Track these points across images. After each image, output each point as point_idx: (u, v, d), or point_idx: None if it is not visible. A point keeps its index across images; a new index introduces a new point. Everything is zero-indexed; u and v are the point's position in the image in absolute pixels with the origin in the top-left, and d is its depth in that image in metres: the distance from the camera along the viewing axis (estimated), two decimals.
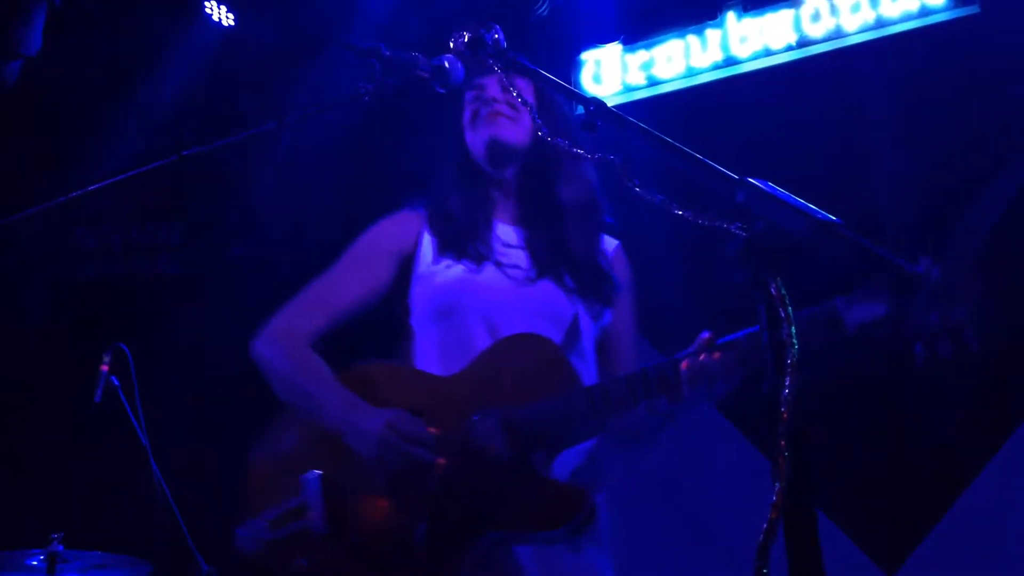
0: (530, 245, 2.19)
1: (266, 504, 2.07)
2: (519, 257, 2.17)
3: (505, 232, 2.22)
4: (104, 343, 3.75)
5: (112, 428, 3.70)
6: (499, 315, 2.09)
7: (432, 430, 1.94)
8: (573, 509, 1.87)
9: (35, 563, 3.53)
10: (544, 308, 2.11)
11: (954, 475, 4.12)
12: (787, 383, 1.08)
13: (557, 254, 2.15)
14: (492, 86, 2.20)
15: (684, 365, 1.85)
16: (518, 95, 1.93)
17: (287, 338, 2.19)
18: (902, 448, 4.16)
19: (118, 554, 3.72)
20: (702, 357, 1.84)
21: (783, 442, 1.08)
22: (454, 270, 2.16)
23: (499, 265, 2.15)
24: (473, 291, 2.12)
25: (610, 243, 2.29)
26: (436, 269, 2.18)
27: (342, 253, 2.29)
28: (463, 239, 2.18)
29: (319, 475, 2.02)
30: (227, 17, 5.21)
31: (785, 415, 1.09)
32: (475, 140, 2.21)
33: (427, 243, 2.23)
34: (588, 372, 2.10)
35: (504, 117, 2.16)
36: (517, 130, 2.17)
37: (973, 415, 4.06)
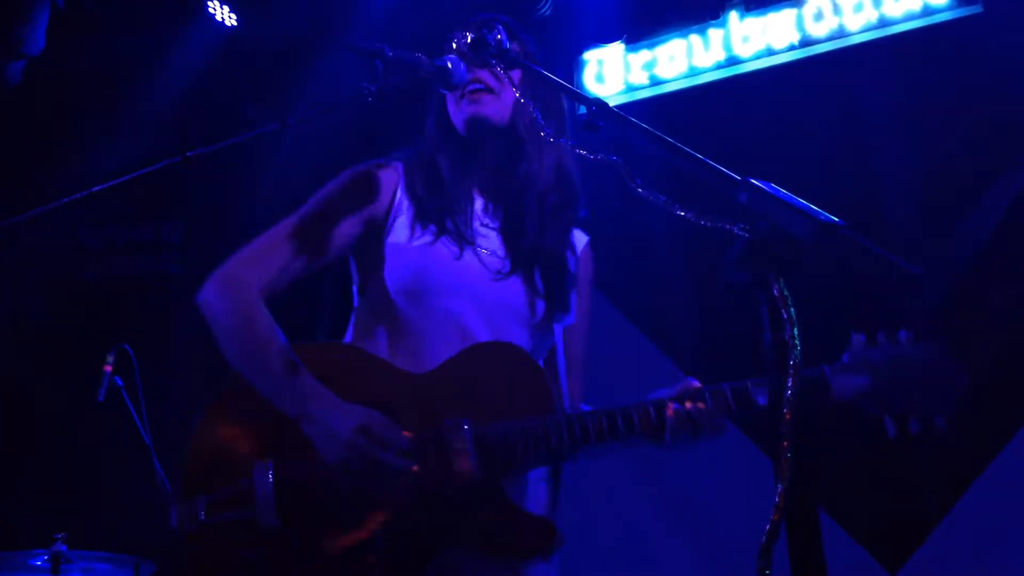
0: (505, 230, 2.12)
1: (209, 481, 1.91)
2: (495, 242, 2.11)
3: (483, 208, 2.15)
4: (108, 343, 3.75)
5: (115, 428, 3.71)
6: (471, 308, 2.03)
7: (406, 433, 1.87)
8: (541, 542, 1.88)
9: (39, 563, 3.54)
10: (514, 307, 2.06)
11: (957, 475, 4.12)
12: (789, 384, 1.08)
13: (531, 249, 2.09)
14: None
15: (671, 411, 1.87)
16: (504, 71, 1.92)
17: (241, 290, 1.98)
18: (905, 447, 4.15)
19: (121, 554, 3.73)
20: (688, 405, 1.86)
21: (785, 443, 1.08)
22: (434, 248, 2.06)
23: (477, 252, 2.08)
24: (450, 277, 2.04)
25: (580, 239, 2.24)
26: (412, 242, 2.06)
27: (308, 200, 2.10)
28: (444, 211, 2.09)
29: (272, 464, 1.88)
30: (230, 17, 5.22)
31: (787, 416, 1.09)
32: (457, 116, 2.13)
33: (404, 208, 2.11)
34: (549, 378, 2.04)
35: (486, 94, 2.09)
36: (498, 105, 2.10)
37: (976, 414, 4.06)
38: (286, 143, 1.93)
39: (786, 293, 1.11)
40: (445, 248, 2.06)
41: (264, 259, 2.03)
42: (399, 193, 2.13)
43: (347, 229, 2.07)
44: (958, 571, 4.04)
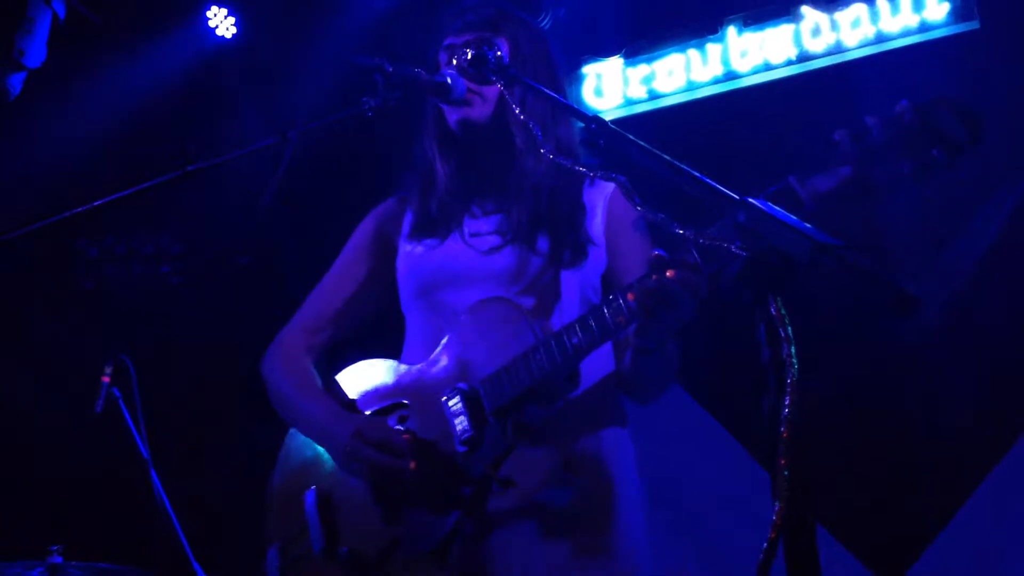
0: (504, 210, 2.12)
1: (279, 528, 2.09)
2: (490, 225, 2.12)
3: (481, 200, 2.17)
4: (106, 354, 3.75)
5: (113, 439, 3.70)
6: (460, 289, 2.05)
7: (405, 435, 1.91)
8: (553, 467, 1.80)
9: (34, 575, 3.52)
10: (508, 274, 2.04)
11: (955, 487, 4.12)
12: (787, 402, 1.09)
13: (529, 219, 2.07)
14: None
15: (631, 296, 1.71)
16: (504, 87, 1.92)
17: (287, 354, 2.22)
18: (903, 459, 4.16)
19: (118, 565, 3.72)
20: (654, 278, 1.69)
21: (783, 460, 1.09)
22: (418, 249, 2.14)
23: (465, 237, 2.11)
24: (436, 267, 2.10)
25: (603, 190, 2.16)
26: (408, 250, 2.17)
27: (339, 254, 2.32)
28: (436, 214, 2.14)
29: (314, 491, 2.03)
30: (229, 30, 5.24)
31: (785, 433, 1.09)
32: (450, 119, 2.15)
33: (407, 224, 2.22)
34: (528, 313, 1.97)
35: (473, 95, 2.10)
36: (484, 106, 2.11)
37: (975, 424, 4.07)
38: (287, 156, 1.95)
39: (783, 311, 1.11)
40: (431, 243, 2.13)
41: (305, 324, 2.26)
42: (407, 215, 2.23)
43: (375, 270, 2.26)
44: None
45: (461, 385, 1.89)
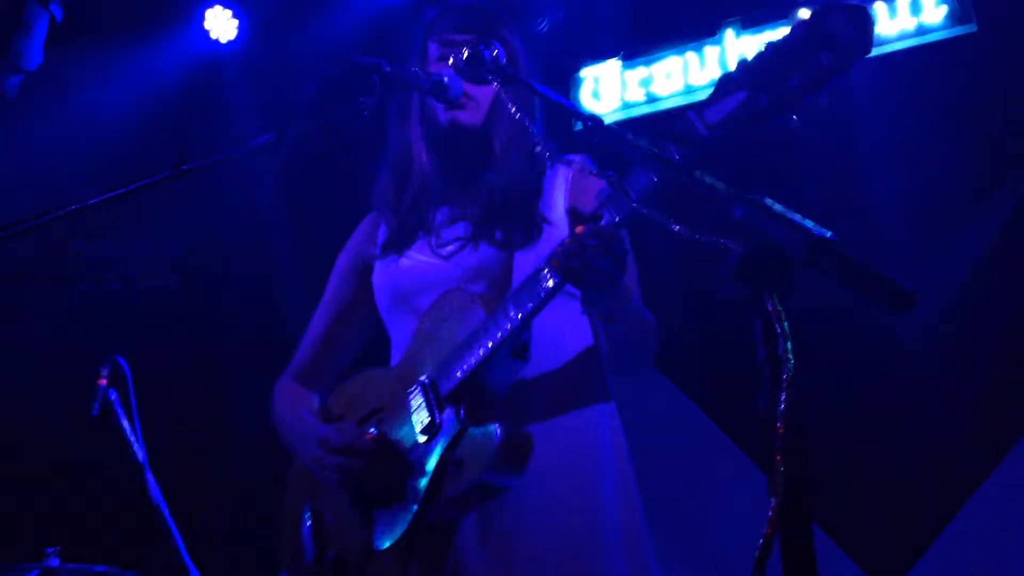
0: (467, 212, 2.13)
1: (287, 549, 2.15)
2: (456, 231, 2.13)
3: (451, 207, 2.17)
4: (102, 356, 3.74)
5: (109, 441, 3.69)
6: (428, 295, 2.06)
7: (370, 437, 1.95)
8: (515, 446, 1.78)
9: None
10: (469, 273, 2.05)
11: (954, 490, 4.12)
12: (782, 398, 1.08)
13: (491, 213, 2.08)
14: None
15: (546, 271, 1.72)
16: (500, 87, 1.93)
17: (288, 387, 2.30)
18: (901, 461, 4.16)
19: (113, 568, 3.71)
20: (566, 244, 1.66)
21: (779, 457, 1.08)
22: (389, 263, 2.18)
23: (432, 246, 2.13)
24: (405, 278, 2.13)
25: (567, 170, 2.12)
26: (381, 266, 2.21)
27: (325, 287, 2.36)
28: (407, 216, 2.17)
29: (306, 507, 2.10)
30: (227, 32, 5.24)
31: (781, 430, 1.09)
32: (442, 116, 2.15)
33: (380, 239, 2.25)
34: (479, 297, 1.97)
35: (467, 99, 2.11)
36: (476, 112, 2.12)
37: (975, 427, 4.07)
38: (283, 155, 1.95)
39: (780, 307, 1.11)
40: (402, 259, 2.16)
41: (305, 358, 2.33)
42: (380, 231, 2.27)
43: (360, 294, 2.28)
44: None
45: (422, 378, 1.92)
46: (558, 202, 2.11)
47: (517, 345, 1.80)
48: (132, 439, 3.68)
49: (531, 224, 2.06)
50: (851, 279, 1.07)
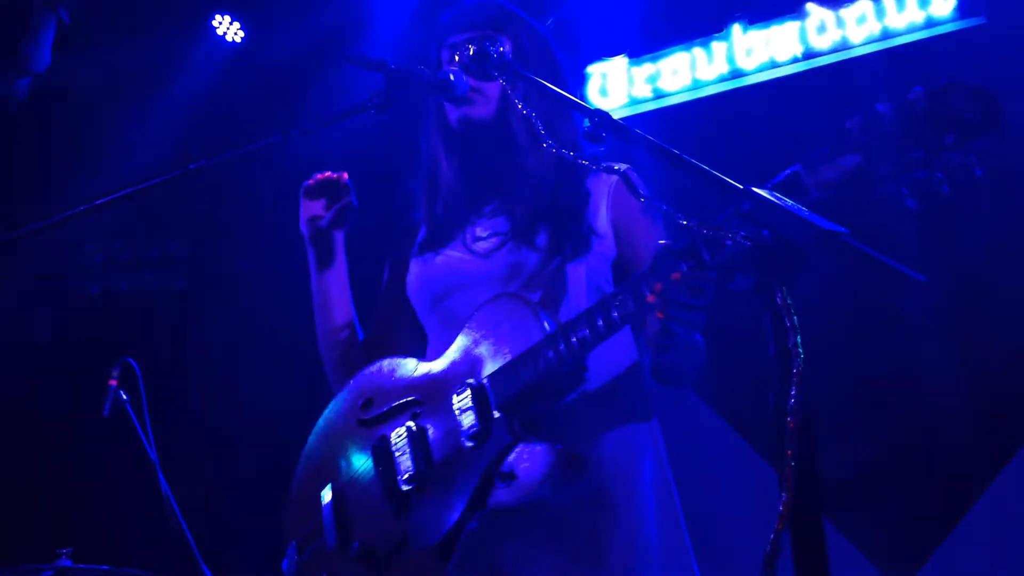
0: (506, 210, 2.12)
1: (300, 526, 2.12)
2: (493, 227, 2.12)
3: (485, 202, 2.17)
4: (112, 357, 3.75)
5: (120, 442, 3.70)
6: (465, 295, 2.06)
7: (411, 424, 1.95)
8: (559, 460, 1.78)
9: None
10: (505, 275, 2.04)
11: (966, 486, 4.10)
12: (793, 393, 1.08)
13: (532, 216, 2.07)
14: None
15: (650, 299, 1.63)
16: (506, 83, 1.92)
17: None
18: (912, 458, 4.14)
19: (126, 568, 3.72)
20: (658, 287, 1.61)
21: (789, 452, 1.07)
22: (425, 263, 2.17)
23: (468, 243, 2.12)
24: (441, 279, 2.12)
25: (607, 181, 2.12)
26: (416, 266, 2.20)
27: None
28: (443, 219, 2.17)
29: (330, 488, 2.06)
30: (236, 34, 5.25)
31: (791, 425, 1.08)
32: (452, 115, 2.16)
33: (419, 239, 2.25)
34: (534, 306, 1.93)
35: (475, 93, 2.10)
36: (486, 105, 2.12)
37: (985, 425, 4.04)
38: (290, 155, 1.95)
39: (789, 301, 1.10)
40: (438, 258, 2.15)
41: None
42: (420, 233, 2.25)
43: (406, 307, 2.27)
44: None
45: (470, 381, 1.88)
46: (602, 212, 2.10)
47: (578, 365, 1.80)
48: (144, 439, 3.69)
49: (581, 235, 2.04)
50: (860, 271, 1.07)
